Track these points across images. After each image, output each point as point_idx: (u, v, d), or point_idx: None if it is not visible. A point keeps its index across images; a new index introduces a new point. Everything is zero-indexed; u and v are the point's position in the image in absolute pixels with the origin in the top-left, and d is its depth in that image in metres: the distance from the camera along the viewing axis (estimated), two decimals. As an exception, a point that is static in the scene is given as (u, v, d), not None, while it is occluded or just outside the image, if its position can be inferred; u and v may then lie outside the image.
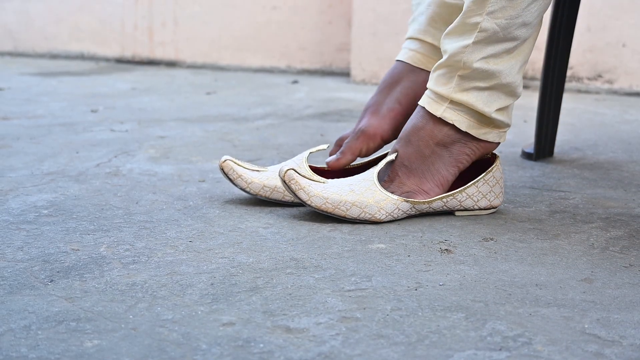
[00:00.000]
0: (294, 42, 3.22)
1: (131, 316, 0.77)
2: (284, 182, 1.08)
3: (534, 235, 1.05)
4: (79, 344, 0.71)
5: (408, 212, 1.11)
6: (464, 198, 1.13)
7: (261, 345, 0.71)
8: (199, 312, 0.78)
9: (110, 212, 1.13)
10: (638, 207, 1.20)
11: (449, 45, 1.10)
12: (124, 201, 1.19)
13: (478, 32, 1.07)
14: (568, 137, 1.81)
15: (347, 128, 1.88)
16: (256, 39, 3.28)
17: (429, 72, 1.23)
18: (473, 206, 1.14)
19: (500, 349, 0.71)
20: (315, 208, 1.08)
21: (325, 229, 1.06)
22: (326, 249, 0.98)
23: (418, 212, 1.12)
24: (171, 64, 3.42)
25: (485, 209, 1.15)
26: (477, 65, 1.08)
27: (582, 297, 0.83)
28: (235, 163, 1.17)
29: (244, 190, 1.17)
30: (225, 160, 1.16)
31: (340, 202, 1.07)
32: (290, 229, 1.06)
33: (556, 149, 1.63)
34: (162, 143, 1.66)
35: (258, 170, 1.18)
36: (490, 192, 1.14)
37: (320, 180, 1.10)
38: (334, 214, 1.08)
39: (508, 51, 1.09)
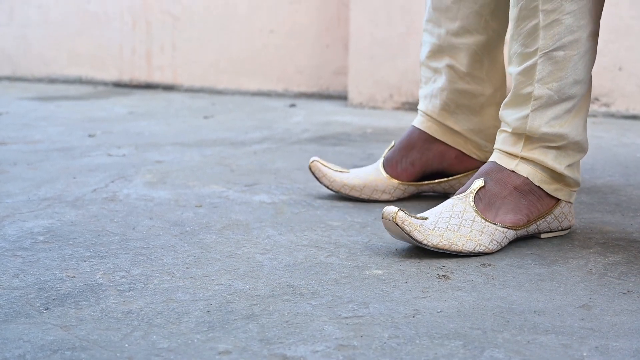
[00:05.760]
0: (291, 65, 3.23)
1: (127, 345, 0.76)
2: (396, 224, 1.04)
3: (531, 261, 1.05)
4: (73, 373, 0.70)
5: (511, 238, 1.11)
6: (552, 220, 1.15)
7: (257, 374, 0.71)
8: (195, 341, 0.78)
9: (106, 238, 1.12)
10: (636, 231, 1.20)
11: (509, 118, 1.13)
12: (121, 227, 1.18)
13: (533, 100, 1.10)
14: (565, 160, 1.81)
15: (344, 152, 1.88)
16: (253, 62, 3.29)
17: (442, 142, 1.38)
18: (558, 227, 1.17)
19: (498, 378, 0.70)
20: (431, 247, 1.05)
21: (322, 254, 1.06)
22: (323, 275, 0.98)
23: (516, 238, 1.13)
24: (169, 88, 3.43)
25: (566, 229, 1.18)
26: (543, 130, 1.10)
27: (580, 324, 0.83)
28: (321, 164, 1.37)
29: (327, 187, 1.38)
30: (314, 161, 1.38)
31: (456, 237, 1.06)
32: (287, 255, 1.06)
33: (553, 173, 1.63)
34: (159, 168, 1.66)
35: (341, 171, 1.38)
36: (569, 212, 1.17)
37: (423, 217, 1.08)
38: (449, 250, 1.06)
39: (568, 110, 1.10)
